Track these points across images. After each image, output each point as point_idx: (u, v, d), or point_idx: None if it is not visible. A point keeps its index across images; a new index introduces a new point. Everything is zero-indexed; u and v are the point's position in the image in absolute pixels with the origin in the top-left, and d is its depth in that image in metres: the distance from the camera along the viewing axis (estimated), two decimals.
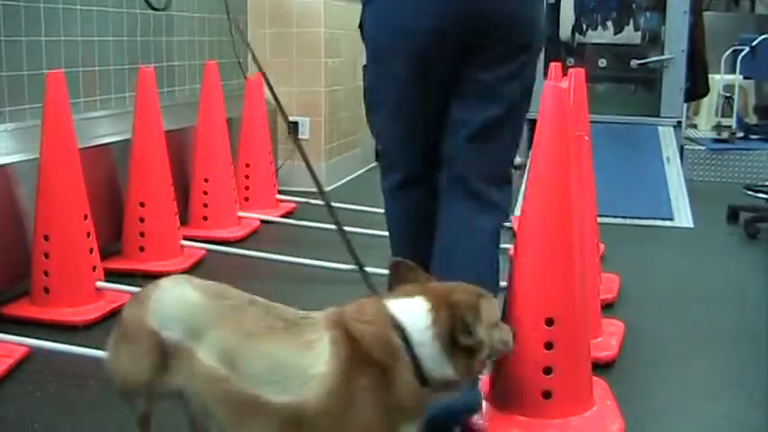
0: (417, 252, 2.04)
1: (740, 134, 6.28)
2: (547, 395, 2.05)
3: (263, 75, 2.83)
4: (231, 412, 1.57)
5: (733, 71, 6.40)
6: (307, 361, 1.54)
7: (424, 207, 2.23)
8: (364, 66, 2.32)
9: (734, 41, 6.43)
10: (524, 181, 2.50)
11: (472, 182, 2.15)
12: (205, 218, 4.00)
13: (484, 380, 2.22)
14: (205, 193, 4.00)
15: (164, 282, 1.74)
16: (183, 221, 3.84)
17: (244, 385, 1.54)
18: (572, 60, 5.85)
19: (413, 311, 1.57)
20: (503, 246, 3.40)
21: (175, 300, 1.68)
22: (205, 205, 4.00)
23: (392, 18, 2.12)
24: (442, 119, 2.16)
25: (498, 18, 2.04)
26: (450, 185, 2.17)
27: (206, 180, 3.99)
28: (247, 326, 1.61)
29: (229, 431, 1.59)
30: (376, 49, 2.24)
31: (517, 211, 4.29)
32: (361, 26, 2.27)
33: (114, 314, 2.91)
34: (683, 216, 4.57)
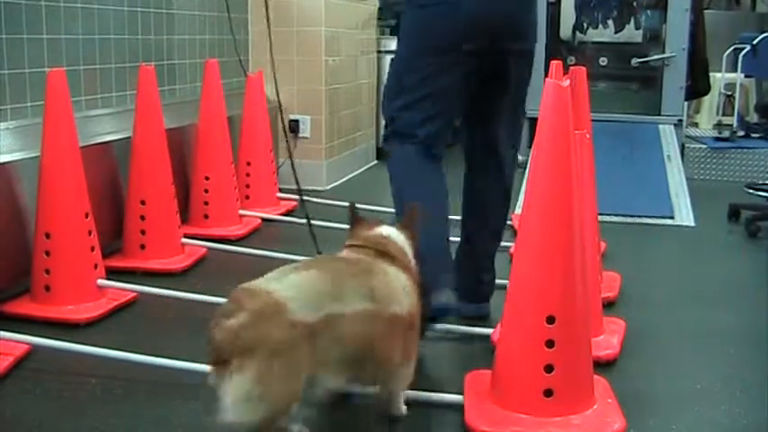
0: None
1: (741, 133, 6.28)
2: (548, 393, 2.06)
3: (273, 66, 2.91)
4: (384, 334, 1.96)
5: (734, 69, 6.40)
6: (400, 282, 2.05)
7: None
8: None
9: (735, 40, 6.43)
10: (525, 179, 2.50)
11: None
12: (206, 216, 4.00)
13: (485, 376, 2.23)
14: (206, 191, 4.00)
15: (257, 290, 1.81)
16: (184, 219, 3.84)
17: (387, 310, 1.96)
18: (573, 59, 5.87)
19: (395, 234, 2.18)
20: (504, 244, 3.41)
21: (290, 288, 1.83)
22: (206, 203, 4.00)
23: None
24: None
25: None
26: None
27: (207, 178, 3.99)
28: (348, 275, 1.97)
29: (381, 350, 1.97)
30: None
31: (518, 209, 4.30)
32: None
33: (115, 312, 2.93)
34: (684, 214, 4.57)
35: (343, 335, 1.87)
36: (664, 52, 5.72)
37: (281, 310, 1.76)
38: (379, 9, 6.36)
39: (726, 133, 6.21)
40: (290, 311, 1.77)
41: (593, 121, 2.79)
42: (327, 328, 1.83)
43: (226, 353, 1.72)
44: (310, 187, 5.08)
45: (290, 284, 1.84)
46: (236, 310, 1.75)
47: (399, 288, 2.04)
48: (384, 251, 2.10)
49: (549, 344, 2.05)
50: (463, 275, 2.83)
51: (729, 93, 6.45)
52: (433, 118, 2.65)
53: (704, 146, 5.97)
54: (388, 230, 2.19)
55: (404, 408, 2.16)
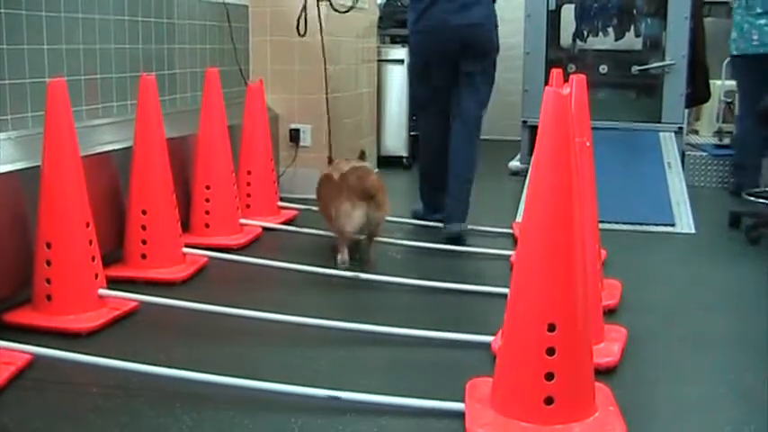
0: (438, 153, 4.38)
1: None
2: (549, 401, 2.06)
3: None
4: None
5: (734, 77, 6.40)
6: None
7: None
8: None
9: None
10: (526, 187, 2.51)
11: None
12: (207, 225, 4.00)
13: (486, 384, 2.23)
14: (207, 200, 4.00)
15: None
16: (185, 229, 3.84)
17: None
18: (573, 66, 5.87)
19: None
20: (504, 252, 3.40)
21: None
22: (207, 212, 4.00)
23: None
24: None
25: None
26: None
27: (208, 187, 3.99)
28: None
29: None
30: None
31: (519, 217, 4.31)
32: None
33: (116, 321, 2.93)
34: (685, 222, 4.58)
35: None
36: (664, 60, 5.73)
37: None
38: (380, 18, 6.38)
39: (726, 140, 6.22)
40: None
41: (593, 128, 2.79)
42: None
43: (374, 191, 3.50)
44: (311, 196, 5.08)
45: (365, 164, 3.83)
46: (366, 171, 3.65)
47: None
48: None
49: (550, 351, 2.04)
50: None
51: (729, 100, 6.45)
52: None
53: (704, 153, 5.97)
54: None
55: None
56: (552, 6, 5.92)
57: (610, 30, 6.00)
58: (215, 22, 4.70)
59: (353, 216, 3.48)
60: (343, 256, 3.58)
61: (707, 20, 6.33)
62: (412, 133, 6.28)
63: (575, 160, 2.07)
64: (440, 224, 4.25)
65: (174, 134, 3.77)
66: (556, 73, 2.84)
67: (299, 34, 4.94)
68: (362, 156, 4.08)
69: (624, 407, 2.20)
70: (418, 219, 4.56)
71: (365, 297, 3.32)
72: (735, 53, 5.48)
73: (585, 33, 6.06)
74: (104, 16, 3.66)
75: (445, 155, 4.28)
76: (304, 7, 4.93)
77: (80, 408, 2.29)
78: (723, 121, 6.64)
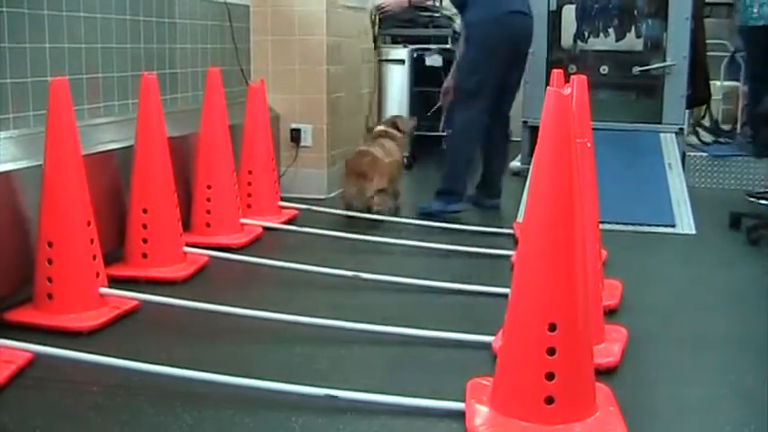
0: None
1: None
2: (549, 401, 2.06)
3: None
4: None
5: (732, 78, 6.42)
6: (395, 148, 4.91)
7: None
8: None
9: (735, 48, 6.45)
10: (526, 187, 2.51)
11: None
12: (208, 224, 4.01)
13: (486, 383, 2.23)
14: (208, 199, 4.00)
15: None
16: (186, 228, 3.85)
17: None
18: (574, 67, 5.86)
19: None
20: (505, 252, 3.39)
21: (377, 151, 4.71)
22: (208, 212, 4.00)
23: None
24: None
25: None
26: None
27: (209, 187, 4.00)
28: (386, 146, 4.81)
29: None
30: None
31: (519, 218, 4.31)
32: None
33: (118, 320, 2.93)
34: (686, 223, 4.58)
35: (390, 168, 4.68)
36: (665, 61, 5.73)
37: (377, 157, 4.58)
38: (380, 19, 6.38)
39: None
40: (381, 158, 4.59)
41: (594, 129, 2.79)
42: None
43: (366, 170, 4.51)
44: (312, 196, 5.09)
45: (376, 149, 4.67)
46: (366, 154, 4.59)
47: (396, 149, 4.85)
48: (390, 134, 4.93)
49: (551, 351, 2.05)
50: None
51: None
52: None
53: (705, 154, 5.97)
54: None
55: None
56: (553, 7, 5.91)
57: (610, 30, 5.99)
58: (216, 21, 4.70)
59: (347, 191, 4.62)
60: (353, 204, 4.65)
61: (707, 20, 6.33)
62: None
63: (575, 161, 2.08)
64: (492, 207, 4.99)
65: (175, 133, 3.77)
66: (557, 73, 2.84)
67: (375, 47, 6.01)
68: (395, 125, 5.01)
69: (624, 407, 2.20)
70: (426, 216, 4.63)
71: (365, 297, 3.32)
72: (738, 24, 5.72)
73: (586, 34, 6.05)
74: (106, 15, 3.67)
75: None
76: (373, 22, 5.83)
77: (81, 406, 2.29)
78: (722, 122, 6.67)
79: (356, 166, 4.54)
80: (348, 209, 4.59)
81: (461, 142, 4.74)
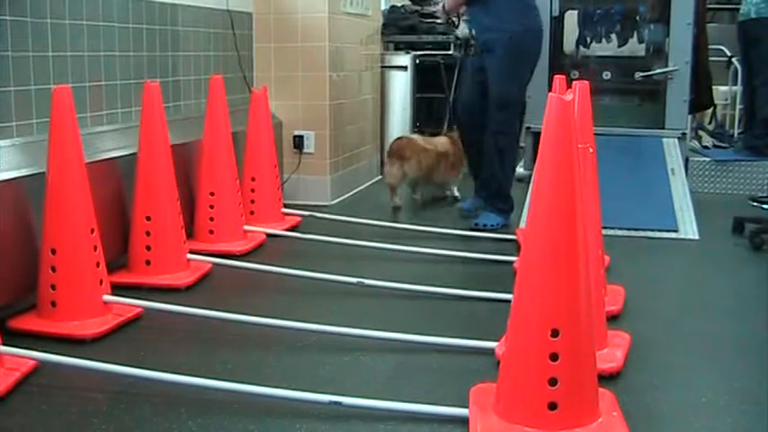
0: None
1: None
2: (552, 407, 2.06)
3: None
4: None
5: (735, 83, 6.42)
6: (446, 145, 5.35)
7: None
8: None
9: (737, 53, 6.46)
10: (529, 193, 2.51)
11: None
12: (211, 231, 4.01)
13: (489, 389, 2.23)
14: (211, 206, 4.01)
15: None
16: (189, 235, 3.86)
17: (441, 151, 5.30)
18: (576, 73, 5.87)
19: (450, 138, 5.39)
20: (508, 258, 3.39)
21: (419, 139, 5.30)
22: (211, 219, 4.01)
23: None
24: None
25: None
26: None
27: (212, 194, 4.00)
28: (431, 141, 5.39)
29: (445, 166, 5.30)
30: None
31: (522, 223, 4.31)
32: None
33: (121, 327, 2.94)
34: (688, 228, 4.57)
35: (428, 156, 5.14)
36: (667, 66, 5.73)
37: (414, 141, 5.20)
38: (383, 25, 6.40)
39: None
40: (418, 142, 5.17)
41: (596, 134, 2.79)
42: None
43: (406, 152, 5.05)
44: (315, 202, 5.10)
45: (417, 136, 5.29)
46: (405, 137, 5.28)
47: (448, 145, 5.26)
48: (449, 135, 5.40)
49: (554, 357, 2.05)
50: None
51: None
52: None
53: (708, 159, 5.97)
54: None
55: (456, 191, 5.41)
56: (555, 13, 5.92)
57: (613, 36, 6.00)
58: (219, 29, 4.71)
59: (389, 171, 5.12)
60: (394, 200, 5.15)
61: (710, 26, 6.34)
62: None
63: (578, 166, 2.08)
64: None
65: (178, 141, 3.78)
66: (559, 79, 2.84)
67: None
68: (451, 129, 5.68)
69: (627, 412, 2.20)
70: (480, 229, 4.52)
71: (368, 303, 3.33)
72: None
73: (589, 40, 6.06)
74: (109, 23, 3.68)
75: None
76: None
77: (85, 413, 2.30)
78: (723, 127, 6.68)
79: (394, 149, 5.09)
80: (391, 189, 5.14)
81: (511, 151, 4.60)
